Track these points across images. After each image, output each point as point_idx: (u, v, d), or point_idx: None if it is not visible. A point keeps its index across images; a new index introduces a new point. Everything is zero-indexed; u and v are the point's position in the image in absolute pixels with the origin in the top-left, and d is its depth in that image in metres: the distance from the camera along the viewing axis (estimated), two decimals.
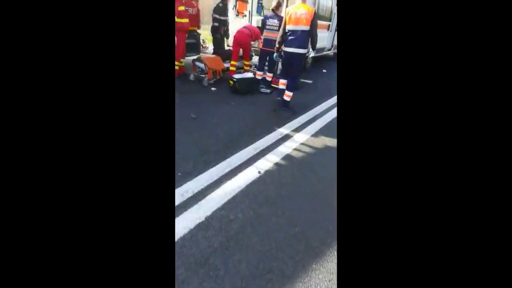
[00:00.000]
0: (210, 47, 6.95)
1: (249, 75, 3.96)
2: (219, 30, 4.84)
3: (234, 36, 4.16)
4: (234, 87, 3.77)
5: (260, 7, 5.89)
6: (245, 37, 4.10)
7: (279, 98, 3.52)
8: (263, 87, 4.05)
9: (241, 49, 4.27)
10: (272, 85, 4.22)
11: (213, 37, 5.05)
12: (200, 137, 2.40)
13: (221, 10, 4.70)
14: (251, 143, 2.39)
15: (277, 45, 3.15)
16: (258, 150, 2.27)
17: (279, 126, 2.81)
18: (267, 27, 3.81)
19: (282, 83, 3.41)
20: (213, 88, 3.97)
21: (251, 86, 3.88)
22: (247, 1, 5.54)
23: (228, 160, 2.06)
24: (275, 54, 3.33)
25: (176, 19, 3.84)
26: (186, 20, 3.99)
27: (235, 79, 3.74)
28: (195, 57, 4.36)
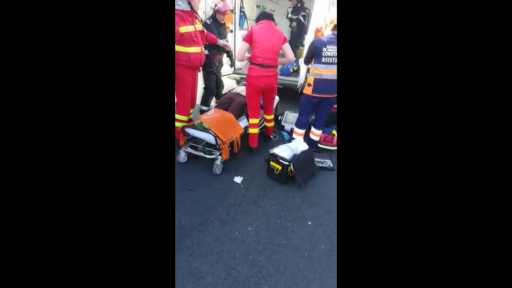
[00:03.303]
0: None
1: (302, 146, 2.16)
2: (215, 59, 2.72)
3: (253, 82, 2.17)
4: (284, 174, 1.99)
5: (243, 18, 4.11)
6: (273, 81, 2.22)
7: None
8: (317, 157, 2.37)
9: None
10: (320, 145, 2.61)
11: (208, 77, 2.77)
12: None
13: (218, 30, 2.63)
14: None
15: None
16: None
17: None
18: (323, 59, 2.06)
19: None
20: (237, 180, 2.05)
21: (311, 166, 2.15)
22: (233, 10, 3.68)
23: None
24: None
25: (178, 47, 1.97)
26: (196, 49, 2.04)
27: (287, 162, 1.96)
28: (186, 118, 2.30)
